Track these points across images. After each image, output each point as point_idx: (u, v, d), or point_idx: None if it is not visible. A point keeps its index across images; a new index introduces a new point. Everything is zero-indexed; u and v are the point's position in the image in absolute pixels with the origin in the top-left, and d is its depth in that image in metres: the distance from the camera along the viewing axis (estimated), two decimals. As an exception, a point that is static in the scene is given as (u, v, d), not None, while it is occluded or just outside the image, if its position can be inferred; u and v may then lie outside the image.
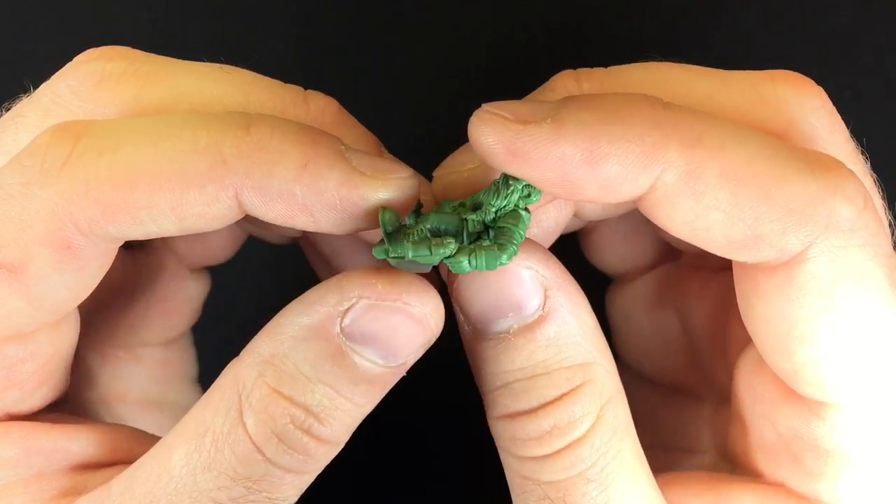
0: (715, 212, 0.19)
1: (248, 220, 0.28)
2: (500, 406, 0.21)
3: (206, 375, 0.33)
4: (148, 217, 0.20)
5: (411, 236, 0.21)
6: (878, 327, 0.20)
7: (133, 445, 0.23)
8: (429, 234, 0.21)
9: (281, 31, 0.40)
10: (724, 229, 0.19)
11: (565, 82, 0.23)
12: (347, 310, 0.20)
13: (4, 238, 0.20)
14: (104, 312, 0.29)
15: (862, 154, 0.23)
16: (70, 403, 0.26)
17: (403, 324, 0.20)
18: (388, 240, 0.21)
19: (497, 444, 0.22)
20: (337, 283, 0.20)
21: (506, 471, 0.22)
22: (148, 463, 0.21)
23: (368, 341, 0.20)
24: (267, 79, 0.23)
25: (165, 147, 0.20)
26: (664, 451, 0.27)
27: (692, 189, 0.19)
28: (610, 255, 0.30)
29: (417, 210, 0.22)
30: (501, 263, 0.20)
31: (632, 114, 0.19)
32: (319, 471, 0.21)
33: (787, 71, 0.23)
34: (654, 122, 0.19)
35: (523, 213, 0.21)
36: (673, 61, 0.23)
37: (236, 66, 0.24)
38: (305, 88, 0.24)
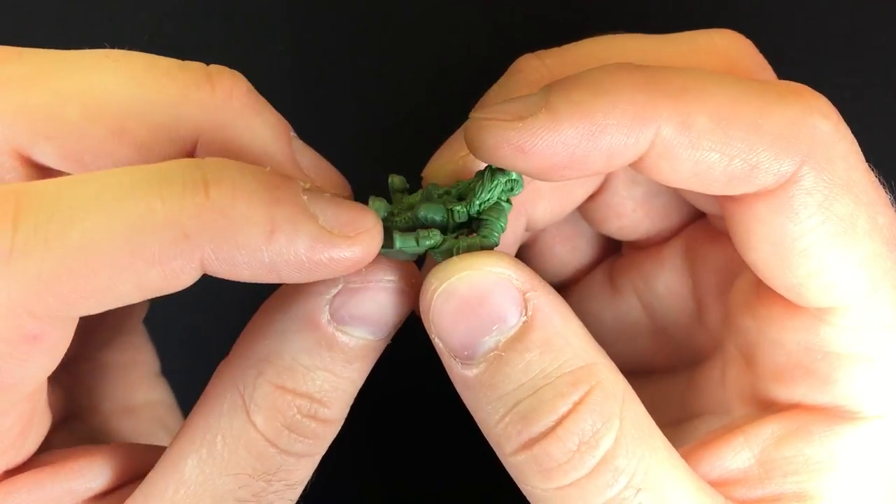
0: (713, 153, 0.20)
1: None
2: (513, 438, 0.20)
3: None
4: (110, 297, 0.19)
5: (398, 223, 0.22)
6: (870, 227, 0.21)
7: (135, 462, 0.24)
8: (415, 223, 0.22)
9: (281, 31, 0.40)
10: (724, 167, 0.20)
11: (529, 62, 0.24)
12: (335, 296, 0.21)
13: None
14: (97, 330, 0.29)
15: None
16: (52, 430, 0.25)
17: (389, 299, 0.21)
18: None
19: (522, 486, 0.21)
20: None
21: None
22: (158, 478, 0.21)
23: (357, 321, 0.21)
24: (163, 60, 0.22)
25: (119, 226, 0.18)
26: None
27: (689, 137, 0.20)
28: (554, 261, 0.30)
29: (402, 191, 0.23)
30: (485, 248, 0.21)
31: (615, 82, 0.20)
32: (326, 447, 0.22)
33: (719, 28, 0.25)
34: (638, 84, 0.20)
35: (505, 204, 0.22)
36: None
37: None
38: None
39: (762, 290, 0.23)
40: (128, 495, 0.22)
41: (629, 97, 0.20)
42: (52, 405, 0.24)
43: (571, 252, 0.30)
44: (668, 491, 0.20)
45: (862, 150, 0.25)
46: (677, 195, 0.27)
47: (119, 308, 0.29)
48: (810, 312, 0.22)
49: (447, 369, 0.21)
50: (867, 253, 0.21)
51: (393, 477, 0.39)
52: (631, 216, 0.27)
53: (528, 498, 0.21)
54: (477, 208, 0.22)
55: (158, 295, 0.19)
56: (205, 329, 0.37)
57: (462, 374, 0.21)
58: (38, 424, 0.23)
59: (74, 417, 0.29)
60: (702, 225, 0.27)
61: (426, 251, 0.21)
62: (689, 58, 0.24)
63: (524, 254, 0.31)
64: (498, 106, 0.20)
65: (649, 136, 0.20)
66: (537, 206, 0.26)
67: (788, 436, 0.22)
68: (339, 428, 0.22)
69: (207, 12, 0.40)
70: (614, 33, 0.25)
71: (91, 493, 0.23)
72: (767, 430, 0.23)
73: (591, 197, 0.27)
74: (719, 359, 0.26)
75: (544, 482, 0.20)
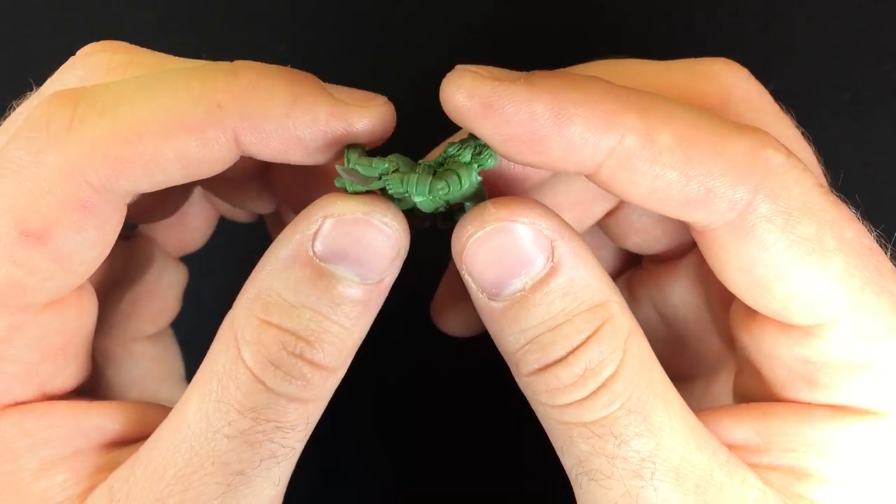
0: (671, 171, 0.21)
1: (223, 195, 0.29)
2: (528, 363, 0.22)
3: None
4: (156, 167, 0.21)
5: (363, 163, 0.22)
6: (838, 243, 0.21)
7: (162, 419, 0.24)
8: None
9: (281, 31, 0.40)
10: (681, 188, 0.21)
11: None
12: (316, 232, 0.21)
13: (26, 209, 0.21)
14: (102, 306, 0.29)
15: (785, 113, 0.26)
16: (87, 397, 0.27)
17: (367, 234, 0.21)
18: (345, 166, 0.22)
19: (531, 400, 0.23)
20: (304, 211, 0.22)
21: (544, 423, 0.23)
22: (169, 421, 0.22)
23: (340, 258, 0.21)
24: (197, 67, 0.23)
25: (162, 100, 0.21)
26: None
27: (650, 151, 0.20)
28: None
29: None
30: (438, 194, 0.22)
31: (593, 85, 0.21)
32: (323, 400, 0.22)
33: (716, 57, 0.25)
34: (612, 93, 0.21)
35: (473, 168, 0.22)
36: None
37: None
38: None
39: (756, 312, 0.24)
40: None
41: (601, 99, 0.20)
42: (84, 384, 0.26)
43: None
44: (655, 416, 0.22)
45: (861, 150, 0.25)
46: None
47: (154, 290, 0.31)
48: (801, 329, 0.23)
49: (473, 298, 0.23)
50: (841, 267, 0.21)
51: (392, 479, 0.39)
52: (649, 232, 0.28)
53: (534, 408, 0.23)
54: (441, 160, 0.22)
55: (199, 174, 0.22)
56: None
57: (488, 306, 0.22)
58: (80, 361, 0.25)
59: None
60: None
61: (380, 177, 0.22)
62: (689, 84, 0.24)
63: None
64: (482, 66, 0.21)
65: (611, 141, 0.20)
66: None
67: (792, 417, 0.23)
68: (336, 379, 0.22)
69: (209, 12, 0.40)
70: (616, 57, 0.25)
71: (116, 437, 0.24)
72: (774, 410, 0.23)
73: (611, 213, 0.28)
74: (733, 368, 0.27)
75: (550, 399, 0.22)
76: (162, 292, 0.32)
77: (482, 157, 0.22)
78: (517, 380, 0.23)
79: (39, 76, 0.34)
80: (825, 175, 0.26)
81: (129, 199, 0.23)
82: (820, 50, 0.39)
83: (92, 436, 0.23)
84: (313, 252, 0.21)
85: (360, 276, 0.22)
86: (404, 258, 0.22)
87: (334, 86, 0.22)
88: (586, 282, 0.22)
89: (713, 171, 0.21)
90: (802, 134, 0.26)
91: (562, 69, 0.24)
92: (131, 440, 0.24)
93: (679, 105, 0.21)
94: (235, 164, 0.23)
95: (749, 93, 0.25)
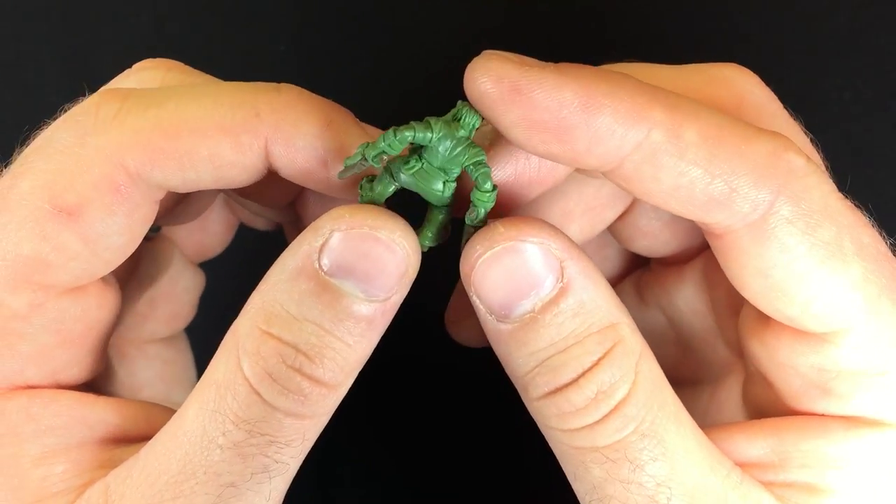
0: (695, 168, 0.20)
1: (244, 198, 0.29)
2: (538, 386, 0.22)
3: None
4: (189, 164, 0.22)
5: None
6: (857, 248, 0.21)
7: (167, 421, 0.24)
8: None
9: (281, 31, 0.40)
10: (704, 186, 0.21)
11: None
12: (323, 245, 0.21)
13: (62, 185, 0.22)
14: (121, 304, 0.30)
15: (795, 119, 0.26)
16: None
17: (374, 250, 0.21)
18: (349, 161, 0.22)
19: (541, 425, 0.23)
20: (313, 223, 0.22)
21: (555, 449, 0.23)
22: (168, 426, 0.22)
23: (346, 273, 0.21)
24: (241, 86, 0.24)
25: (206, 102, 0.22)
26: None
27: (676, 146, 0.20)
28: None
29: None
30: (454, 132, 0.21)
31: (621, 79, 0.20)
32: (322, 417, 0.22)
33: (728, 63, 0.25)
34: (640, 88, 0.20)
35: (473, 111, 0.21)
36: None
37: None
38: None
39: (769, 319, 0.23)
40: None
41: (630, 93, 0.20)
42: (96, 379, 0.26)
43: (601, 264, 0.31)
44: (668, 440, 0.21)
45: (861, 150, 0.25)
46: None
47: (171, 292, 0.32)
48: (816, 336, 0.22)
49: (481, 321, 0.22)
50: (859, 273, 0.21)
51: (392, 481, 0.39)
52: (657, 236, 0.28)
53: (544, 433, 0.23)
54: (431, 129, 0.22)
55: (228, 180, 0.23)
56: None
57: (497, 328, 0.22)
58: (96, 355, 0.25)
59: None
60: None
61: (378, 157, 0.21)
62: (701, 88, 0.24)
63: None
64: (510, 54, 0.20)
65: (638, 135, 0.20)
66: (569, 229, 0.27)
67: (808, 432, 0.23)
68: (336, 397, 0.22)
69: (210, 13, 0.40)
70: (629, 61, 0.25)
71: (120, 433, 0.24)
72: (789, 426, 0.23)
73: (620, 217, 0.28)
74: (739, 375, 0.27)
75: (561, 423, 0.22)
76: (178, 295, 0.32)
77: (462, 122, 0.21)
78: (527, 405, 0.23)
79: (39, 76, 0.34)
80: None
81: (159, 196, 0.23)
82: (820, 50, 0.39)
83: (97, 430, 0.23)
84: (319, 265, 0.21)
85: (366, 293, 0.21)
86: (414, 277, 0.22)
87: (369, 126, 0.23)
88: (596, 303, 0.22)
89: (737, 171, 0.20)
90: (811, 140, 0.26)
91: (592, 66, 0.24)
92: (136, 439, 0.24)
93: (703, 105, 0.21)
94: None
95: (760, 98, 0.25)
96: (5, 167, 0.23)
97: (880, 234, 0.22)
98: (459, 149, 0.21)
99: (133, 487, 0.21)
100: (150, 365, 0.32)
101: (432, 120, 0.21)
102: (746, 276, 0.22)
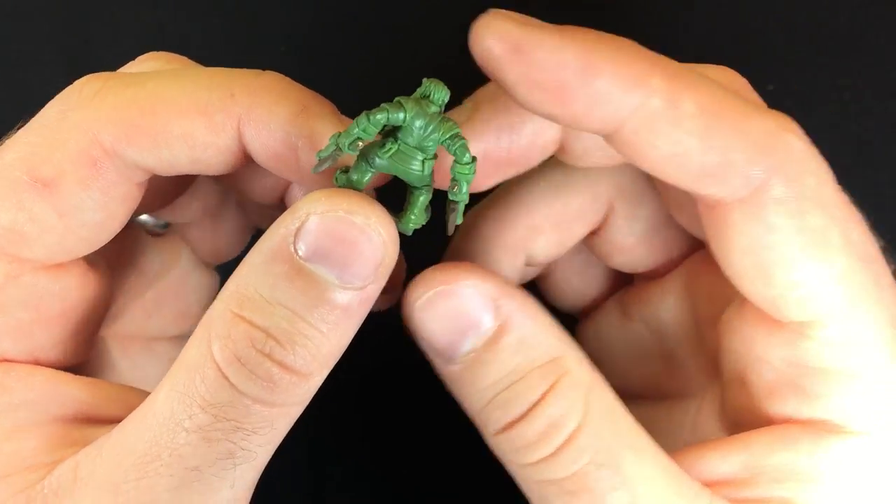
0: (692, 138, 0.20)
1: (258, 202, 0.28)
2: (492, 423, 0.22)
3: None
4: (163, 141, 0.22)
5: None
6: (844, 242, 0.21)
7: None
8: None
9: (281, 31, 0.40)
10: (699, 157, 0.21)
11: None
12: (299, 228, 0.21)
13: (41, 157, 0.22)
14: (124, 297, 0.30)
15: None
16: None
17: (349, 234, 0.21)
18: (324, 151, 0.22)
19: (503, 462, 0.23)
20: (291, 207, 0.21)
21: (519, 484, 0.23)
22: (140, 407, 0.22)
23: (321, 258, 0.21)
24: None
25: (184, 83, 0.22)
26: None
27: (674, 115, 0.20)
28: (569, 292, 0.31)
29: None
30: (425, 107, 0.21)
31: (623, 44, 0.20)
32: (292, 407, 0.21)
33: (714, 65, 0.25)
34: (642, 54, 0.21)
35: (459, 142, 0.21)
36: None
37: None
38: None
39: (747, 311, 0.24)
40: None
41: (632, 58, 0.20)
42: (94, 374, 0.26)
43: (586, 283, 0.31)
44: (627, 468, 0.22)
45: (861, 149, 0.25)
46: (677, 229, 0.28)
47: (179, 290, 0.32)
48: (791, 328, 0.22)
49: (431, 363, 0.23)
50: (843, 268, 0.21)
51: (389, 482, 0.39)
52: (633, 251, 0.28)
53: (508, 471, 0.23)
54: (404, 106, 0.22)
55: (203, 163, 0.23)
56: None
57: (445, 370, 0.23)
58: (78, 341, 0.25)
59: None
60: (700, 256, 0.28)
61: (355, 143, 0.21)
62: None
63: (541, 286, 0.31)
64: (514, 13, 0.21)
65: (635, 99, 0.20)
66: (536, 241, 0.27)
67: (778, 445, 0.23)
68: (308, 387, 0.21)
69: (210, 13, 0.40)
70: None
71: (94, 413, 0.23)
72: (759, 440, 0.23)
73: (595, 233, 0.28)
74: (719, 384, 0.27)
75: (519, 458, 0.22)
76: (187, 295, 0.32)
77: (430, 98, 0.22)
78: (487, 442, 0.23)
79: (38, 76, 0.34)
80: None
81: (139, 177, 0.23)
82: (820, 50, 0.39)
83: (70, 407, 0.23)
84: (294, 249, 0.21)
85: (341, 280, 0.21)
86: (391, 268, 0.22)
87: (348, 119, 0.23)
88: (537, 338, 0.22)
89: (734, 145, 0.21)
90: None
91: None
92: (110, 420, 0.23)
93: (705, 78, 0.21)
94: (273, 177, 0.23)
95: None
96: None
97: (876, 236, 0.22)
98: (433, 125, 0.21)
99: (101, 466, 0.21)
100: (158, 363, 0.32)
101: (402, 99, 0.21)
102: (732, 253, 0.22)
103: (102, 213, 0.23)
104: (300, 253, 0.21)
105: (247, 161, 0.24)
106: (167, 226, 0.31)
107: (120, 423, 0.22)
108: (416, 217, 0.23)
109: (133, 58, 0.27)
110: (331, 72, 0.39)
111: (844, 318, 0.22)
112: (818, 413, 0.23)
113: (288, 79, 0.23)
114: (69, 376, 0.24)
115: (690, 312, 0.28)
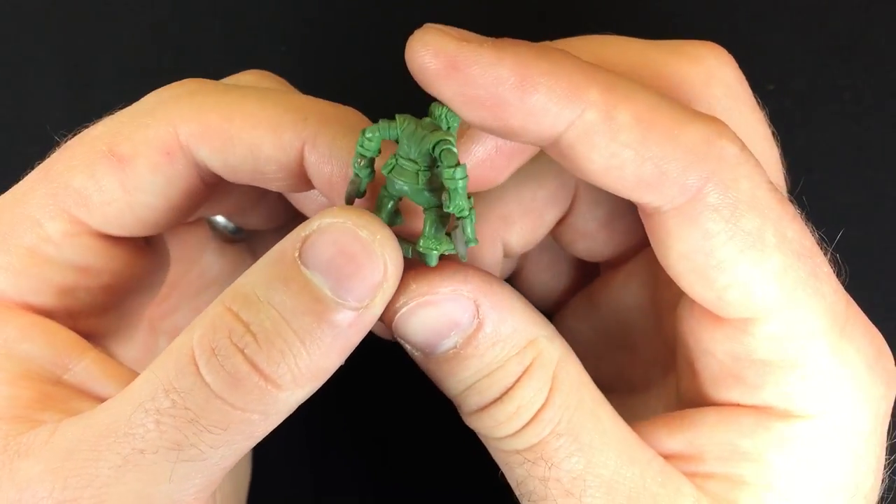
0: (627, 150, 0.21)
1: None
2: (469, 405, 0.24)
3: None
4: (231, 147, 0.24)
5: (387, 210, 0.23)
6: (778, 241, 0.22)
7: None
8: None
9: (281, 31, 0.40)
10: (635, 168, 0.21)
11: None
12: (307, 236, 0.21)
13: (124, 136, 0.24)
14: (178, 293, 0.31)
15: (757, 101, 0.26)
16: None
17: (352, 246, 0.21)
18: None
19: (477, 433, 0.24)
20: (308, 219, 0.22)
21: (490, 452, 0.24)
22: (126, 388, 0.22)
23: (319, 265, 0.21)
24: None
25: (264, 100, 0.24)
26: None
27: (609, 127, 0.20)
28: (540, 288, 0.32)
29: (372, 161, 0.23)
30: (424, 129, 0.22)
31: (559, 58, 0.21)
32: (251, 413, 0.21)
33: (704, 41, 0.26)
34: (578, 67, 0.21)
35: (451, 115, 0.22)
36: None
37: (238, 67, 0.26)
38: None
39: (694, 306, 0.24)
40: None
41: (567, 72, 0.20)
42: (110, 332, 0.27)
43: (556, 278, 0.32)
44: (584, 436, 0.23)
45: (860, 149, 0.25)
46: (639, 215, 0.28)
47: (203, 277, 0.32)
48: (733, 324, 0.23)
49: (410, 355, 0.24)
50: (778, 265, 0.22)
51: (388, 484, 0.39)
52: (596, 237, 0.29)
53: (482, 440, 0.24)
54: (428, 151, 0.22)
55: (263, 175, 0.24)
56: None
57: (424, 361, 0.24)
58: (116, 310, 0.26)
59: None
60: None
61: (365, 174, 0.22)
62: (670, 62, 0.25)
63: (512, 283, 0.31)
64: (450, 27, 0.21)
65: (572, 114, 0.20)
66: (511, 231, 0.27)
67: (720, 425, 0.24)
68: (276, 402, 0.21)
69: (210, 12, 0.40)
70: (605, 34, 0.25)
71: (82, 384, 0.24)
72: (703, 419, 0.24)
73: (561, 221, 0.28)
74: (675, 371, 0.27)
75: (490, 433, 0.24)
76: (210, 279, 0.33)
77: (441, 119, 0.22)
78: (462, 416, 0.24)
79: (38, 76, 0.34)
80: (786, 176, 0.26)
81: (206, 177, 0.25)
82: (820, 50, 0.39)
83: (78, 376, 0.24)
84: (298, 254, 0.21)
85: (336, 293, 0.21)
86: (390, 294, 0.22)
87: None
88: (513, 328, 0.23)
89: (667, 155, 0.21)
90: (773, 134, 0.26)
91: (532, 42, 0.24)
92: (107, 398, 0.23)
93: (642, 87, 0.21)
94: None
95: (730, 79, 0.25)
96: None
97: (811, 230, 0.23)
98: (425, 134, 0.22)
99: (71, 436, 0.21)
100: None
101: (399, 115, 0.22)
102: (672, 258, 0.23)
103: (164, 200, 0.25)
104: (302, 258, 0.21)
105: (308, 187, 0.24)
106: (240, 232, 0.32)
107: (107, 401, 0.22)
108: (427, 241, 0.22)
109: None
110: (331, 72, 0.39)
111: (783, 312, 0.22)
112: (760, 401, 0.23)
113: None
114: (88, 348, 0.24)
115: (651, 298, 0.29)
